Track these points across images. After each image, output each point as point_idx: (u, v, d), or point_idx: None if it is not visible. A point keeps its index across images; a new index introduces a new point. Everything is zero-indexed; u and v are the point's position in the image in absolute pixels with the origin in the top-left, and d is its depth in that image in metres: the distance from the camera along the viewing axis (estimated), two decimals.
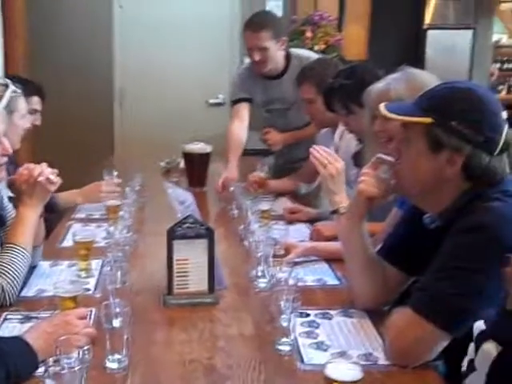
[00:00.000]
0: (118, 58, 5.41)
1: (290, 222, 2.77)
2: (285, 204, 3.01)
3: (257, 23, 3.38)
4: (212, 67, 5.39)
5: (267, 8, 5.33)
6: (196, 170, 3.46)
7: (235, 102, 3.61)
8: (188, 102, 5.42)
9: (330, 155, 2.23)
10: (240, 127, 3.51)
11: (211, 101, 5.49)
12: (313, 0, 5.49)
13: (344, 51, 5.36)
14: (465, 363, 1.10)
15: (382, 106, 1.66)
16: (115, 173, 2.91)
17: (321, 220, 2.69)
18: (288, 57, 3.51)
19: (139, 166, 3.57)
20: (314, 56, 3.54)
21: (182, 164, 3.59)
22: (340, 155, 2.82)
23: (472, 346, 1.06)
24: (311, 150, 2.26)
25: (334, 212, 2.17)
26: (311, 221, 2.78)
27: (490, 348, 0.99)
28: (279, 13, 5.43)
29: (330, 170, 2.18)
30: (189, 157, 3.48)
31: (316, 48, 5.09)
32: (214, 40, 5.35)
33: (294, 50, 3.63)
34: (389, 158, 1.74)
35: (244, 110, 3.56)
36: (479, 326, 1.03)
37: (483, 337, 1.00)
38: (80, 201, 2.98)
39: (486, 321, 1.02)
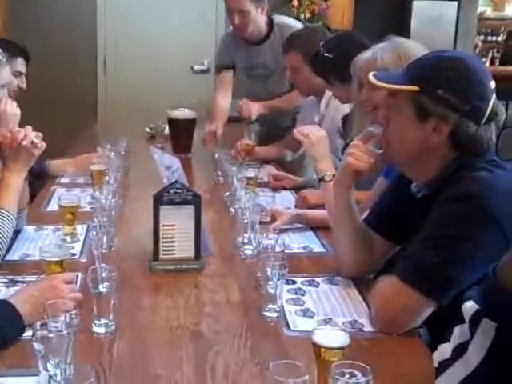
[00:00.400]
0: (101, 21, 5.34)
1: (276, 189, 2.77)
2: (270, 171, 2.99)
3: None
4: (197, 32, 5.33)
5: None
6: (181, 136, 3.43)
7: (219, 69, 3.65)
8: (172, 67, 5.37)
9: (311, 127, 2.25)
10: (225, 97, 3.57)
11: (196, 67, 5.44)
12: None
13: (329, 20, 5.34)
14: (447, 348, 1.07)
15: (370, 75, 1.65)
16: (108, 145, 2.86)
17: (306, 188, 2.69)
18: (270, 23, 3.49)
19: (123, 131, 3.53)
20: (296, 25, 3.51)
21: (167, 130, 3.56)
22: (325, 124, 2.82)
23: (458, 330, 1.03)
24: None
25: (320, 180, 2.17)
26: (296, 188, 2.77)
27: (488, 326, 0.98)
28: None
29: (311, 139, 2.19)
30: (174, 123, 3.45)
31: (302, 16, 5.05)
32: (199, 4, 5.27)
33: (278, 17, 3.60)
34: (378, 131, 1.72)
35: (228, 79, 3.60)
36: (472, 306, 1.01)
37: (479, 317, 0.99)
38: (71, 170, 2.95)
39: (475, 299, 1.01)
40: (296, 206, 2.52)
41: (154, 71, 5.36)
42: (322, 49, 2.58)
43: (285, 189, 2.81)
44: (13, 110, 2.25)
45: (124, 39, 5.33)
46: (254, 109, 3.43)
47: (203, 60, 5.41)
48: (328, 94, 2.88)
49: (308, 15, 5.21)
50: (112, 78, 5.42)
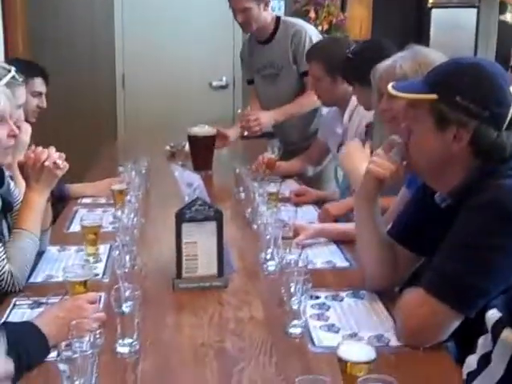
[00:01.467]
0: (119, 40, 5.36)
1: (297, 205, 2.77)
2: (292, 186, 3.00)
3: None
4: (215, 47, 5.34)
5: None
6: (201, 153, 3.45)
7: (248, 82, 3.86)
8: (191, 83, 5.38)
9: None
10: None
11: (215, 83, 5.46)
12: None
13: (347, 31, 5.34)
14: (473, 360, 1.06)
15: (389, 86, 1.65)
16: (129, 165, 2.88)
17: (328, 202, 2.69)
18: (277, 21, 3.60)
19: (144, 149, 3.56)
20: (303, 24, 3.63)
21: (187, 147, 3.58)
22: (349, 136, 2.83)
23: (481, 341, 1.02)
24: None
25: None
26: (319, 202, 2.78)
27: (509, 336, 0.96)
28: None
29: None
30: (194, 140, 3.47)
31: (319, 28, 5.07)
32: (216, 20, 5.29)
33: (285, 17, 3.75)
34: (400, 140, 1.73)
35: (254, 92, 3.79)
36: (494, 314, 1.00)
37: (501, 325, 0.98)
38: (91, 193, 2.97)
39: (499, 307, 1.00)
40: (319, 219, 2.52)
41: (173, 88, 5.37)
42: (348, 52, 2.61)
43: (307, 203, 2.81)
44: (27, 137, 2.29)
45: (142, 56, 5.35)
46: (264, 118, 3.45)
47: (221, 76, 5.43)
48: (352, 105, 2.88)
49: (326, 27, 5.23)
50: (131, 95, 5.44)
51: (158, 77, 5.37)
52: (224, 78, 5.44)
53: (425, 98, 1.57)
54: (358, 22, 5.59)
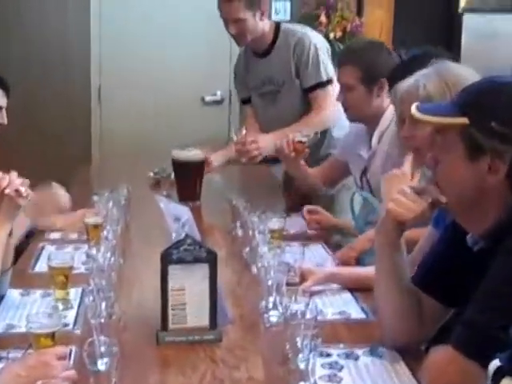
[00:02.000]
0: (96, 45, 5.40)
1: (308, 238, 2.84)
2: (298, 222, 3.03)
3: None
4: (209, 57, 5.41)
5: None
6: (188, 181, 3.47)
7: (242, 101, 3.95)
8: (180, 98, 5.43)
9: None
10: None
11: (208, 98, 5.51)
12: None
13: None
14: None
15: (413, 107, 1.68)
16: (105, 194, 2.89)
17: (342, 233, 2.75)
18: (277, 29, 3.66)
19: (123, 176, 3.58)
20: (304, 30, 3.67)
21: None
22: (377, 161, 2.85)
23: None
24: None
25: None
26: (328, 242, 2.83)
27: None
28: None
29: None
30: (179, 165, 3.49)
31: (331, 36, 5.14)
32: (210, 25, 5.30)
33: (285, 24, 3.80)
34: (426, 173, 1.75)
35: (250, 113, 3.86)
36: (495, 364, 1.04)
37: (500, 374, 1.02)
38: (61, 226, 2.98)
39: (502, 358, 1.04)
40: (338, 260, 2.59)
41: (158, 103, 5.42)
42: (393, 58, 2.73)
43: (318, 226, 2.92)
44: None
45: (122, 65, 5.39)
46: (264, 141, 3.48)
47: (215, 89, 5.49)
48: (383, 124, 2.90)
49: (339, 33, 5.29)
50: (108, 110, 5.47)
51: (140, 90, 5.41)
52: (218, 93, 5.50)
53: (454, 122, 1.59)
54: (377, 29, 5.65)
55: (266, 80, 3.68)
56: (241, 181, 3.49)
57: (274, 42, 3.64)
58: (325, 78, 3.60)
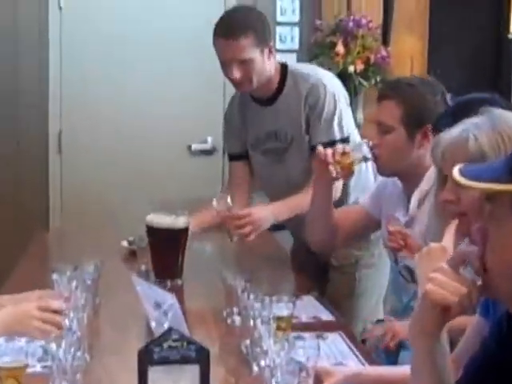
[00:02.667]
0: (55, 81, 5.45)
1: (325, 327, 2.84)
2: (310, 306, 3.03)
3: (232, 26, 3.50)
4: (197, 96, 5.47)
5: (278, 10, 5.46)
6: (166, 253, 3.43)
7: (229, 158, 3.91)
8: (161, 146, 5.46)
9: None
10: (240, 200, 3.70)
11: (195, 146, 5.55)
12: None
13: (392, 73, 5.43)
14: None
15: (455, 171, 1.69)
16: (67, 271, 2.89)
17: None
18: (283, 71, 3.65)
19: (89, 247, 3.59)
20: (318, 74, 3.67)
21: None
22: (416, 228, 2.86)
23: None
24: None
25: None
26: (347, 331, 2.83)
27: None
28: (295, 17, 5.56)
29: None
30: (155, 233, 3.44)
31: (351, 69, 5.17)
32: (200, 61, 5.33)
33: (293, 65, 3.77)
34: (472, 250, 1.76)
35: (240, 173, 3.86)
36: None
37: None
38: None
39: None
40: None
41: (133, 153, 5.45)
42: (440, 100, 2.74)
43: (333, 328, 2.86)
44: None
45: (87, 105, 5.44)
46: (260, 213, 3.46)
47: (205, 136, 5.54)
48: (424, 185, 2.91)
49: (360, 67, 5.31)
50: (70, 163, 5.48)
51: (110, 136, 5.45)
52: (209, 140, 5.54)
53: (508, 189, 1.60)
54: (408, 60, 5.72)
55: (272, 134, 3.66)
56: (237, 252, 3.47)
57: (280, 87, 3.63)
58: (338, 137, 3.57)
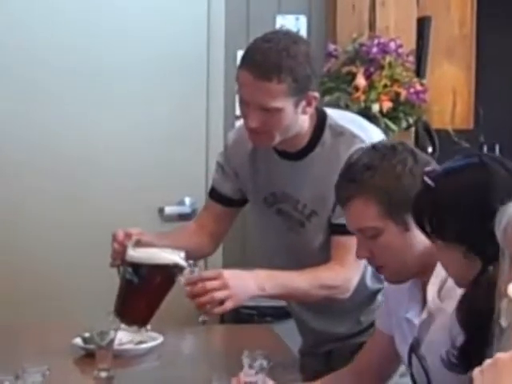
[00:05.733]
0: None
1: None
2: None
3: (265, 62, 3.37)
4: (173, 146, 5.51)
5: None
6: (145, 292, 3.49)
7: (209, 194, 3.95)
8: (123, 212, 5.47)
9: None
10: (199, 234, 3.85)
11: (169, 209, 5.57)
12: (367, 16, 5.61)
13: (430, 113, 5.47)
14: None
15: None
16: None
17: None
18: (321, 124, 3.61)
19: (35, 347, 3.59)
20: (368, 132, 3.62)
21: (118, 341, 3.59)
22: (437, 325, 2.87)
23: None
24: None
25: None
26: None
27: None
28: None
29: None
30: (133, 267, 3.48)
31: (375, 109, 5.17)
32: (179, 93, 5.46)
33: (334, 116, 3.68)
34: None
35: (213, 215, 3.91)
36: None
37: None
38: None
39: None
40: None
41: (89, 219, 5.48)
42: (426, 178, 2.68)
43: None
44: None
45: (28, 166, 5.48)
46: (241, 280, 3.40)
47: (182, 196, 5.56)
48: (438, 275, 2.91)
49: (387, 105, 5.25)
50: (3, 231, 5.52)
51: (60, 201, 5.49)
52: (187, 201, 5.56)
53: None
54: (449, 95, 5.76)
55: (287, 197, 3.63)
56: (229, 348, 3.45)
57: (313, 142, 3.58)
58: None
